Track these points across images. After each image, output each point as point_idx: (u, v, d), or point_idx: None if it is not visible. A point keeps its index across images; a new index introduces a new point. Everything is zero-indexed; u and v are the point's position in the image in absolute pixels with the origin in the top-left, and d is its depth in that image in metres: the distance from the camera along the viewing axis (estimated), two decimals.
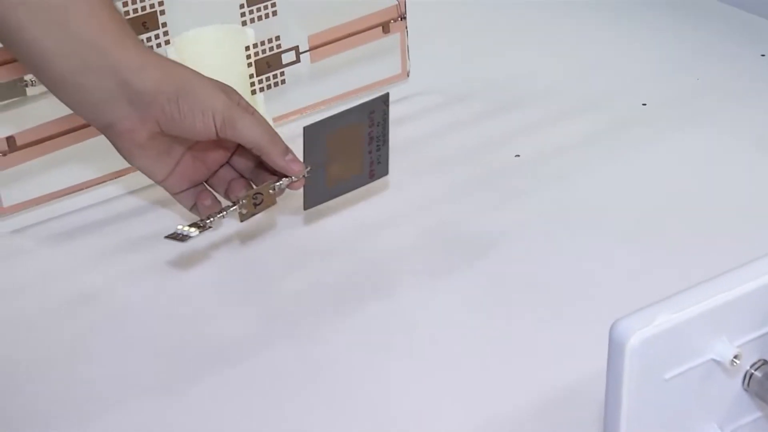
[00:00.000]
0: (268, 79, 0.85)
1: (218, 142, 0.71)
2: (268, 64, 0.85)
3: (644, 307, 0.48)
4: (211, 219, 0.68)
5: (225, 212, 0.69)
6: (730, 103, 0.93)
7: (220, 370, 0.66)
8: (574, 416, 0.61)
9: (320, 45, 0.88)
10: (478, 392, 0.64)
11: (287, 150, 0.70)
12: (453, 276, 0.73)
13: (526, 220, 0.78)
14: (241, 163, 0.73)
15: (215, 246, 0.76)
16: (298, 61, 0.86)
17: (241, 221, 0.71)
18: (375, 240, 0.76)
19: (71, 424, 0.62)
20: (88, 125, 0.76)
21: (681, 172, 0.84)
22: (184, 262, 0.75)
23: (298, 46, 0.86)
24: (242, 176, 0.74)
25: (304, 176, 0.71)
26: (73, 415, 0.63)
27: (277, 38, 0.85)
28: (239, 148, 0.72)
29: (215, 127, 0.68)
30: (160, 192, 0.74)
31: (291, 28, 0.86)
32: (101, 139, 0.71)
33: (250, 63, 0.84)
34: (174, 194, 0.73)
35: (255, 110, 0.71)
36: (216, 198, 0.73)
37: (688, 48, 1.02)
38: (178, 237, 0.67)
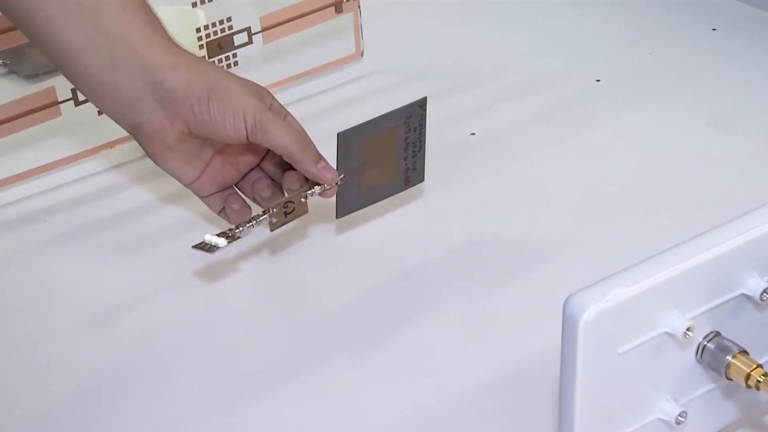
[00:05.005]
0: (220, 61, 0.84)
1: (249, 146, 0.69)
2: (219, 46, 0.84)
3: (597, 281, 0.48)
4: (240, 229, 0.66)
5: (255, 221, 0.67)
6: (682, 78, 0.93)
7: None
8: (530, 391, 0.61)
9: (273, 26, 0.87)
10: (435, 366, 0.64)
11: (319, 157, 0.68)
12: (411, 254, 0.73)
13: (482, 197, 0.79)
14: (272, 167, 0.71)
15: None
16: (250, 42, 0.86)
17: (272, 230, 0.68)
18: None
19: None
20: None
21: (635, 147, 0.84)
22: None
23: (250, 27, 0.86)
24: (273, 180, 0.71)
25: (337, 184, 0.68)
26: None
27: (229, 19, 0.84)
28: (270, 152, 0.70)
29: (246, 130, 0.65)
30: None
31: (242, 8, 0.85)
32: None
33: (202, 45, 0.83)
34: (202, 197, 0.70)
35: (288, 114, 0.69)
36: (245, 202, 0.71)
37: (640, 23, 1.02)
38: (205, 247, 0.64)
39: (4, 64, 0.91)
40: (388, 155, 0.70)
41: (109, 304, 0.70)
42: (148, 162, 0.68)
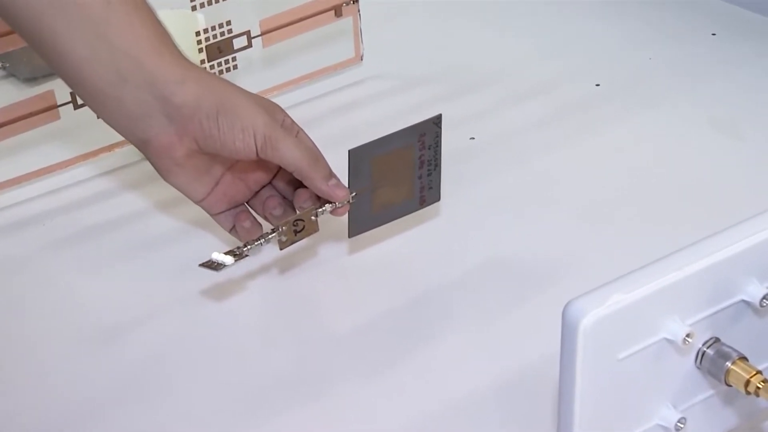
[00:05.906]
0: (219, 64, 0.84)
1: (260, 163, 0.67)
2: (219, 50, 0.84)
3: (596, 287, 0.48)
4: (249, 247, 0.64)
5: (263, 240, 0.65)
6: (683, 82, 0.93)
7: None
8: (530, 396, 0.61)
9: (272, 29, 0.87)
10: (438, 373, 0.64)
11: (331, 174, 0.66)
12: (414, 260, 0.73)
13: (482, 202, 0.78)
14: (284, 184, 0.70)
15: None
16: (249, 46, 0.86)
17: (281, 249, 0.67)
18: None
19: None
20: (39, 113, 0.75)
21: (636, 152, 0.84)
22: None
23: (249, 31, 0.85)
24: (285, 198, 0.70)
25: (348, 202, 0.67)
26: None
27: (228, 23, 0.84)
28: (281, 169, 0.68)
29: (256, 146, 0.64)
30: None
31: (242, 12, 0.85)
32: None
33: (201, 48, 0.83)
34: (212, 215, 0.69)
35: (300, 130, 0.68)
36: (256, 220, 0.69)
37: (640, 28, 1.02)
38: (212, 265, 0.63)
39: (3, 67, 0.91)
40: (402, 173, 0.69)
41: (109, 312, 0.70)
42: (148, 166, 0.67)
